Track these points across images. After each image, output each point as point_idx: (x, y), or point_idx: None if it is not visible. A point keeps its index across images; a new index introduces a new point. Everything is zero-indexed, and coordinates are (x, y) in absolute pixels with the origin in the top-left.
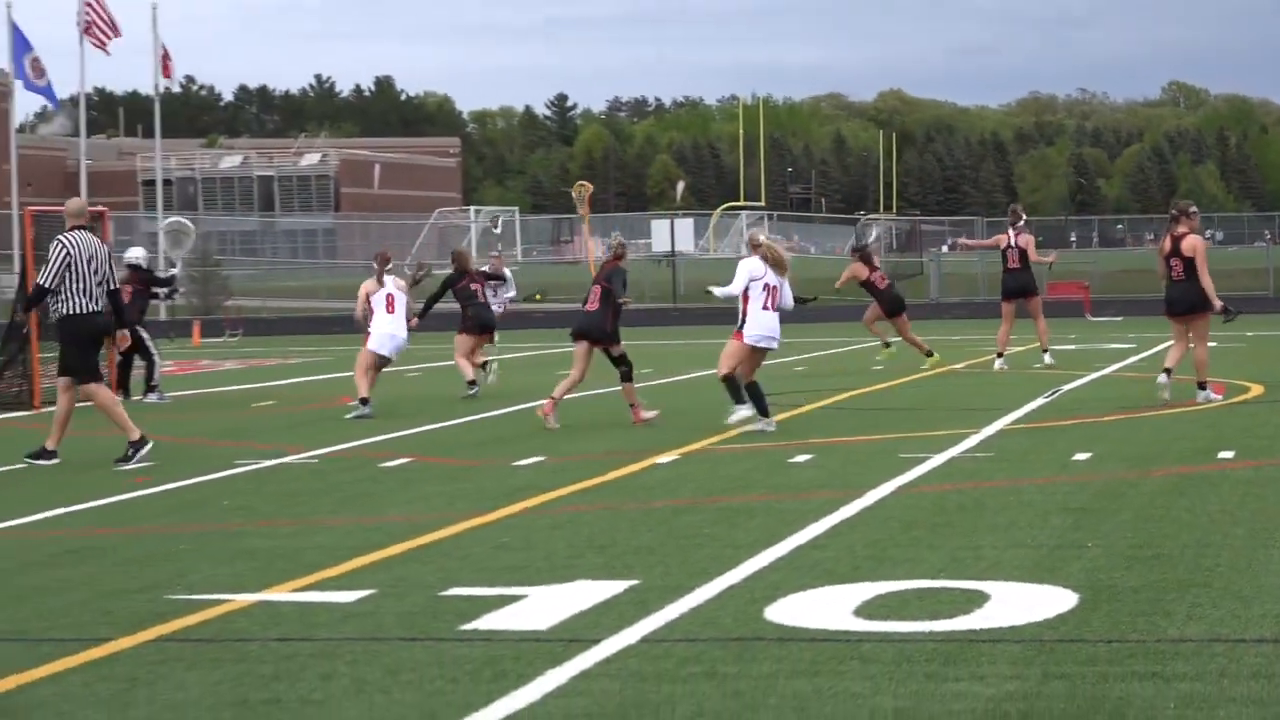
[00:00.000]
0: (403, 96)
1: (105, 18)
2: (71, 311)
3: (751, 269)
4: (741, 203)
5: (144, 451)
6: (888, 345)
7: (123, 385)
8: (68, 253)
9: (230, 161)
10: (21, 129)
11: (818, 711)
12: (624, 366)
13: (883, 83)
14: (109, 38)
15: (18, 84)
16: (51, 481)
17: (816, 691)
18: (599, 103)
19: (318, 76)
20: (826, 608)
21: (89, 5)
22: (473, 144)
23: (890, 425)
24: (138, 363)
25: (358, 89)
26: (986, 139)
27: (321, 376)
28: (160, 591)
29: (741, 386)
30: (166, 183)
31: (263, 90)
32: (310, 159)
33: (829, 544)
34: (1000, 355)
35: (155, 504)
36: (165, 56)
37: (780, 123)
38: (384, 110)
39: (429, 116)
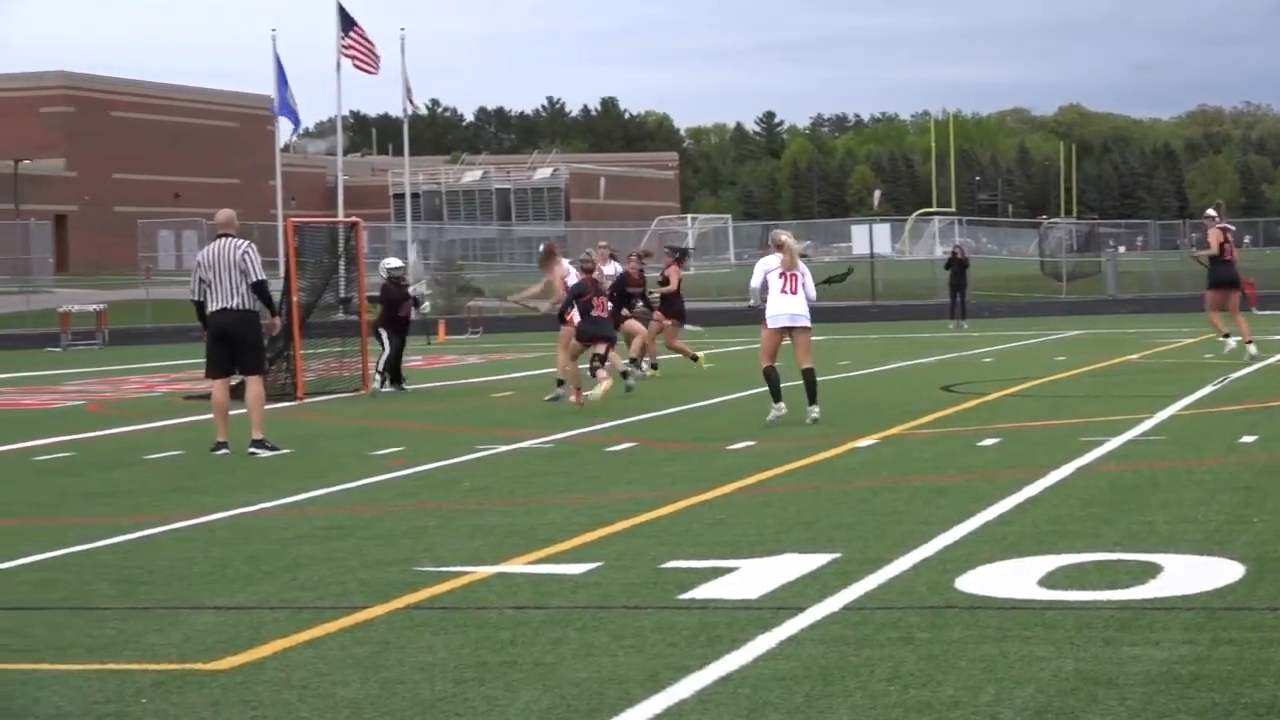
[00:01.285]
0: (625, 115)
1: (368, 47)
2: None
3: (766, 263)
4: (934, 208)
5: (218, 454)
6: (695, 359)
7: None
8: (198, 262)
9: (471, 176)
10: (286, 149)
11: (1005, 673)
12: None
13: (1062, 98)
14: (373, 65)
15: (279, 107)
16: (314, 465)
17: (1003, 655)
18: (804, 119)
19: (549, 98)
20: (1013, 578)
21: (353, 36)
22: (689, 158)
23: (1069, 411)
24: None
25: (585, 109)
26: (1159, 149)
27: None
28: (410, 564)
29: (778, 381)
30: (414, 196)
31: (500, 111)
32: (543, 173)
33: (1014, 520)
34: (1227, 335)
35: (405, 485)
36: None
37: (969, 135)
38: (609, 128)
39: (650, 133)
